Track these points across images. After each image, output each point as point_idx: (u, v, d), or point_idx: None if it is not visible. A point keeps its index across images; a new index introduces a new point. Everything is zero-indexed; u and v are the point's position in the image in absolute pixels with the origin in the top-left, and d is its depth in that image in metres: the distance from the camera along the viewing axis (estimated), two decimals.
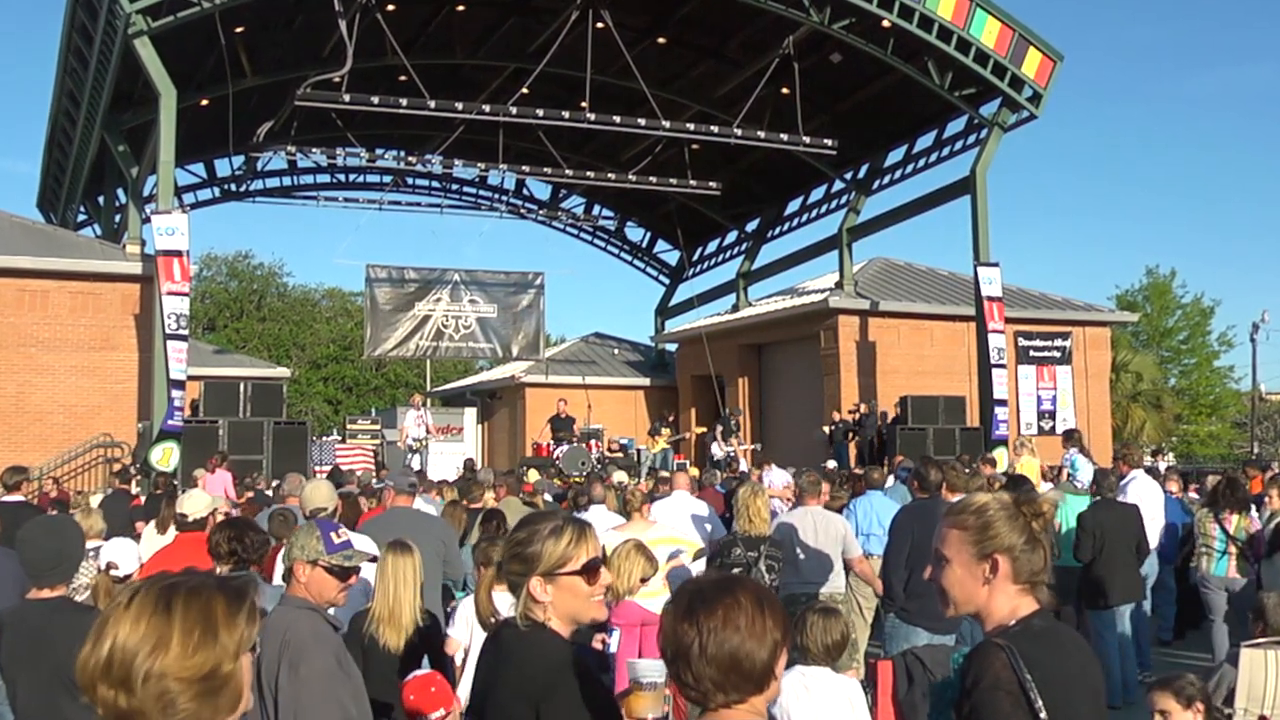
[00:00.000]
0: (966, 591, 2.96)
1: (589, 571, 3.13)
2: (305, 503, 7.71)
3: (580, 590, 3.12)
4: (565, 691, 2.94)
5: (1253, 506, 11.28)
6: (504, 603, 3.33)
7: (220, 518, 7.64)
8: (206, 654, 2.06)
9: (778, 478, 17.89)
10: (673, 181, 28.20)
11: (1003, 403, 24.85)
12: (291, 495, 10.58)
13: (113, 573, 5.96)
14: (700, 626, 2.40)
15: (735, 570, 8.69)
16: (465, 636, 6.58)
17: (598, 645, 7.62)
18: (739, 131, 25.27)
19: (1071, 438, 17.24)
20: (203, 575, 2.22)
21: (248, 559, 6.16)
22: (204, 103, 25.46)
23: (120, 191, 28.63)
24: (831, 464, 22.32)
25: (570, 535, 3.15)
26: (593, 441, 26.03)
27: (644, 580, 7.81)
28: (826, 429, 26.46)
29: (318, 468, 22.55)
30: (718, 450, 27.06)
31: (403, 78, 24.23)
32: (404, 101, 23.37)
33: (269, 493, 16.39)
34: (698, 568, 9.66)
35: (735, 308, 34.93)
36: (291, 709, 3.90)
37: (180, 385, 20.34)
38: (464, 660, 6.61)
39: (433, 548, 7.90)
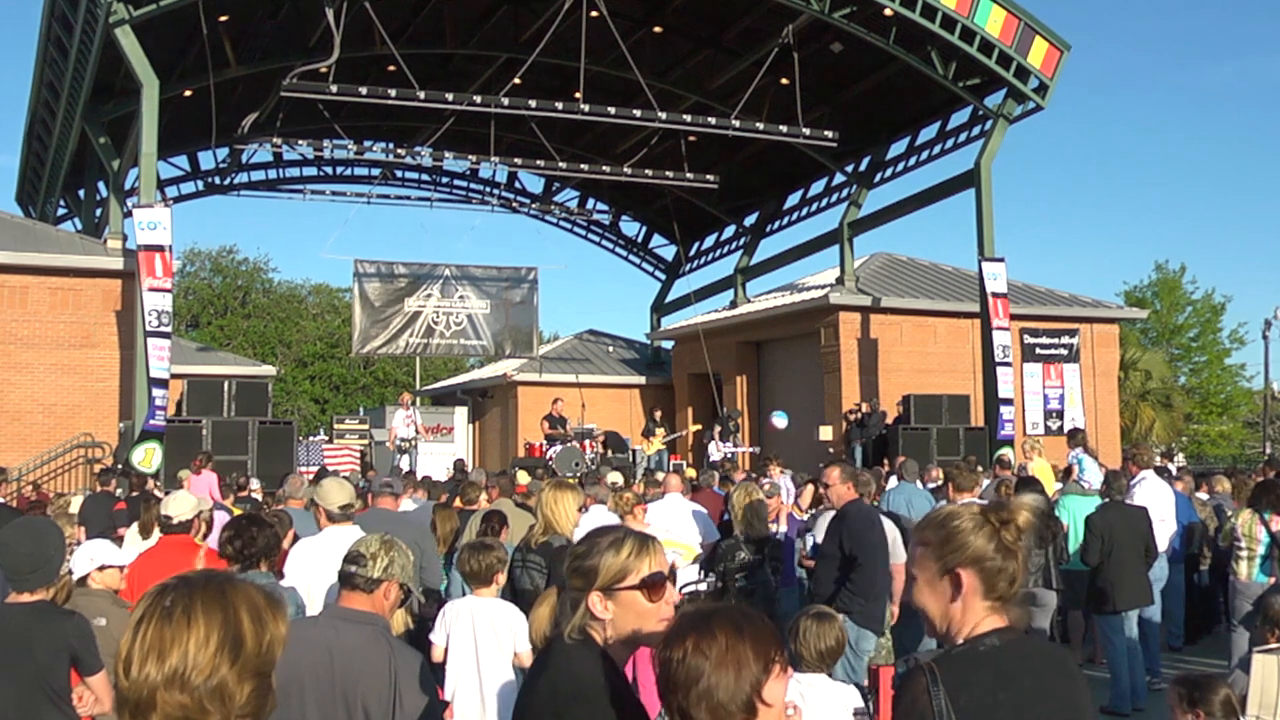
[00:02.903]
0: (938, 610, 2.85)
1: (650, 586, 3.00)
2: (328, 501, 7.24)
3: (641, 606, 2.99)
4: (585, 707, 2.86)
5: None
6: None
7: (206, 520, 7.69)
8: (274, 648, 2.07)
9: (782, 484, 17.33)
10: (669, 174, 27.90)
11: (1008, 401, 24.56)
12: (292, 498, 10.32)
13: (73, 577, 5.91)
14: (677, 661, 2.47)
15: (739, 575, 8.72)
16: (443, 640, 6.47)
17: None
18: (737, 123, 25.00)
19: (1075, 438, 17.10)
20: (231, 572, 2.21)
21: (255, 555, 6.09)
22: (187, 94, 25.12)
23: (101, 185, 28.44)
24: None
25: (631, 548, 3.04)
26: (587, 441, 25.62)
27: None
28: (824, 430, 26.06)
29: (304, 469, 22.08)
30: (715, 451, 26.66)
31: (391, 68, 24.15)
32: (393, 92, 23.17)
33: (257, 495, 15.95)
34: (693, 572, 9.59)
35: (733, 304, 34.57)
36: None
37: (162, 384, 20.19)
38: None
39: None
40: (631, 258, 39.00)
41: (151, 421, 19.84)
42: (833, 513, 9.88)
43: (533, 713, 3.00)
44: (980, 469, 17.80)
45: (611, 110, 24.62)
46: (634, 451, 27.53)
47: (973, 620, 2.81)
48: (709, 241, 37.08)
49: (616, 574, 3.00)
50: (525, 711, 3.05)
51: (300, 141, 26.80)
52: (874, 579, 8.20)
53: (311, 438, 29.51)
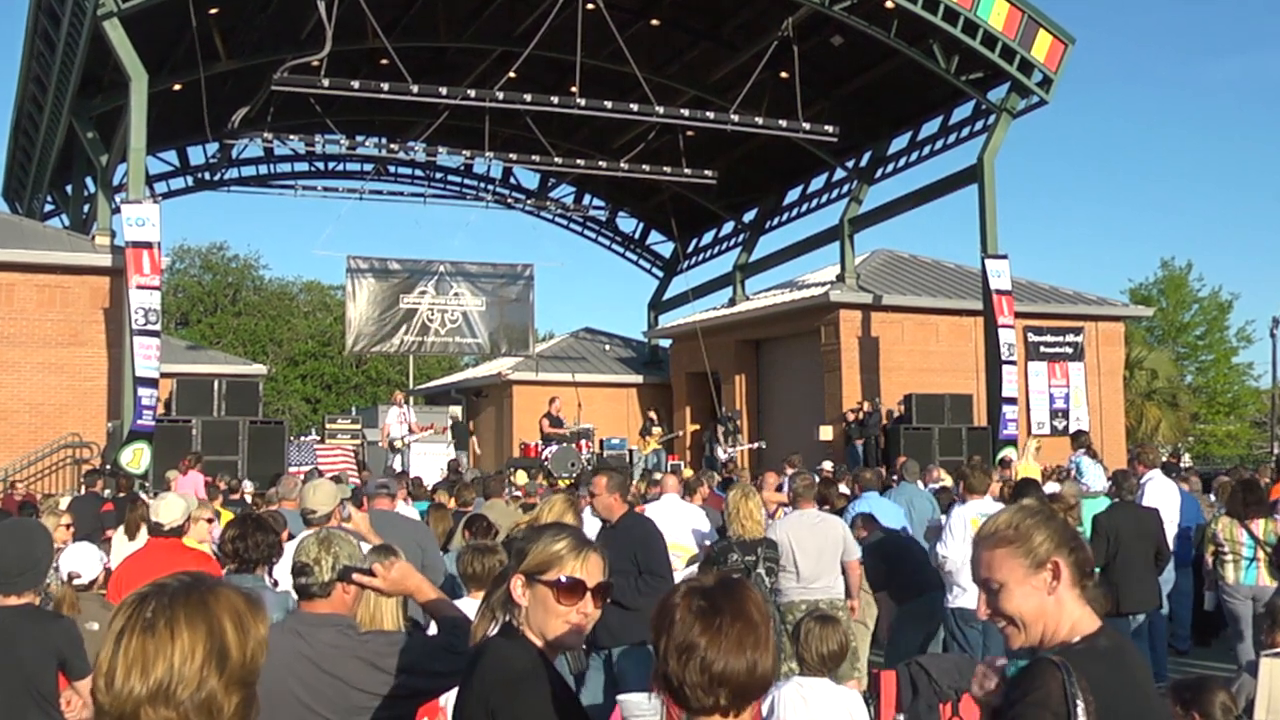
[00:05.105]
0: (1033, 608, 2.76)
1: (564, 588, 2.95)
2: (302, 503, 7.37)
3: (550, 604, 2.95)
4: (518, 700, 2.85)
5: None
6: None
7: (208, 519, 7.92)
8: (258, 655, 2.01)
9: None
10: (667, 170, 27.64)
11: (1011, 400, 24.25)
12: (286, 499, 10.12)
13: (75, 582, 5.93)
14: (714, 633, 2.36)
15: (734, 575, 8.17)
16: None
17: None
18: (736, 117, 24.70)
19: (1079, 440, 17.01)
20: (210, 576, 2.10)
21: (253, 559, 6.07)
22: (176, 87, 24.93)
23: (89, 180, 28.30)
24: (827, 465, 21.70)
25: (564, 544, 3.00)
26: (583, 441, 25.32)
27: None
28: (824, 429, 25.78)
29: (295, 469, 21.80)
30: (722, 453, 26.38)
31: (384, 61, 23.91)
32: (385, 86, 22.91)
33: (248, 498, 15.72)
34: (690, 573, 9.20)
35: (732, 302, 34.27)
36: None
37: (150, 383, 19.91)
38: None
39: (409, 552, 7.80)
40: (629, 254, 38.71)
41: (139, 422, 19.55)
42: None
43: (467, 707, 2.99)
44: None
45: (608, 104, 24.35)
46: (631, 452, 27.29)
47: (1070, 616, 2.77)
48: (707, 238, 36.82)
49: (541, 563, 2.97)
50: (461, 709, 3.04)
51: (292, 136, 26.60)
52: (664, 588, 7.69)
53: (303, 438, 29.18)
